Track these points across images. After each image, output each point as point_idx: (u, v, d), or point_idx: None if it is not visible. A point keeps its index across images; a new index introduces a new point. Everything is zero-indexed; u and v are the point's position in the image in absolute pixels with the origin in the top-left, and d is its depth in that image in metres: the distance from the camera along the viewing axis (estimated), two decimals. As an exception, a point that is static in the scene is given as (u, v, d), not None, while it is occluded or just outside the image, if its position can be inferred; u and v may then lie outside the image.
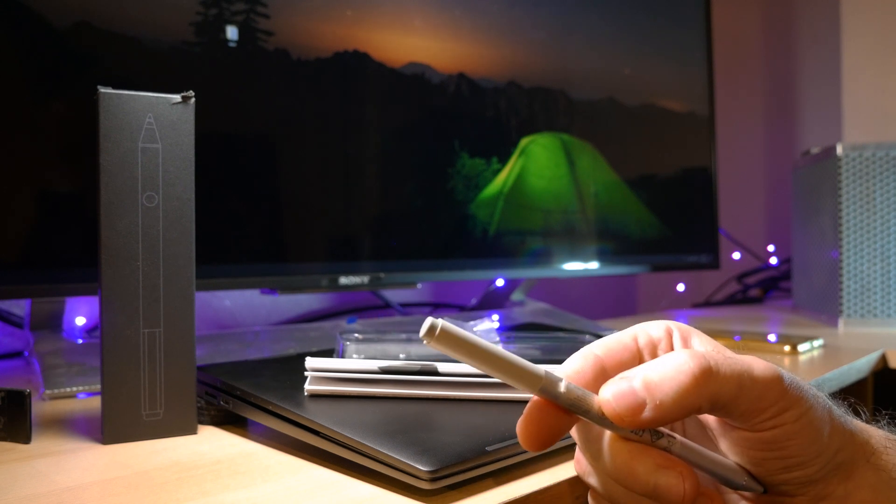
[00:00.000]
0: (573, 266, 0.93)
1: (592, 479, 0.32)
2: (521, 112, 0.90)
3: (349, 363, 0.43)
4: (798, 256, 1.21)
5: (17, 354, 0.75)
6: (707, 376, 0.27)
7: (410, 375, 0.44)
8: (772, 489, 0.32)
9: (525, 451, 0.37)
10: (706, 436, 0.33)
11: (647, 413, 0.27)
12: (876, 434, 0.34)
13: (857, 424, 0.33)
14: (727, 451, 0.31)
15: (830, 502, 0.32)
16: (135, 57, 0.61)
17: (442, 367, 0.44)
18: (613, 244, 0.99)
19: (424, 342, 0.25)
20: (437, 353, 0.49)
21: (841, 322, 1.01)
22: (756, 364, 0.29)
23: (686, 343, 0.32)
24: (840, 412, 0.32)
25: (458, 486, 0.34)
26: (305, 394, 0.42)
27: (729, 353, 0.30)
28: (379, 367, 0.43)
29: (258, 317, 0.96)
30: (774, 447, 0.29)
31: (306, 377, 0.45)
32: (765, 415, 0.29)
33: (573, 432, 0.32)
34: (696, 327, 0.34)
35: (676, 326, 0.33)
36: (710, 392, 0.27)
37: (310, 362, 0.43)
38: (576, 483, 0.37)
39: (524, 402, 0.44)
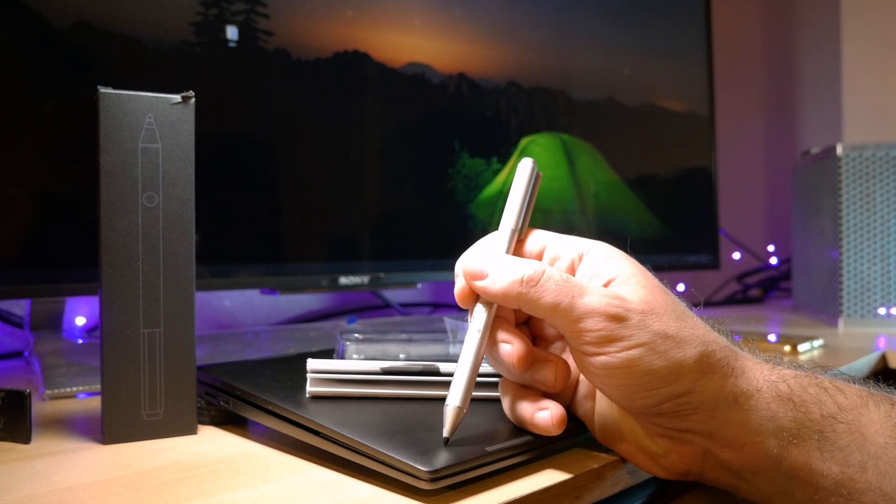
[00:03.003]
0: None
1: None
2: (521, 112, 0.90)
3: (351, 364, 0.43)
4: (798, 256, 1.21)
5: (17, 354, 0.75)
6: (526, 285, 0.35)
7: (412, 376, 0.44)
8: (632, 414, 0.36)
9: (525, 451, 0.37)
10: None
11: (479, 283, 0.36)
12: (754, 374, 0.36)
13: (732, 363, 0.35)
14: (579, 368, 0.36)
15: (694, 436, 0.35)
16: (135, 57, 0.61)
17: (444, 367, 0.44)
18: (613, 244, 0.99)
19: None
20: (439, 353, 0.49)
21: (841, 322, 1.01)
22: (591, 297, 0.34)
23: (572, 265, 0.38)
24: (713, 351, 0.34)
25: (458, 486, 0.34)
26: (307, 395, 0.42)
27: (604, 273, 0.36)
28: (381, 368, 0.43)
29: (258, 317, 0.96)
30: (605, 372, 0.34)
31: (307, 378, 0.45)
32: (584, 339, 0.34)
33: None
34: None
35: (589, 250, 0.38)
36: (524, 299, 0.35)
37: (311, 364, 0.43)
38: (576, 483, 0.37)
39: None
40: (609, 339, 0.34)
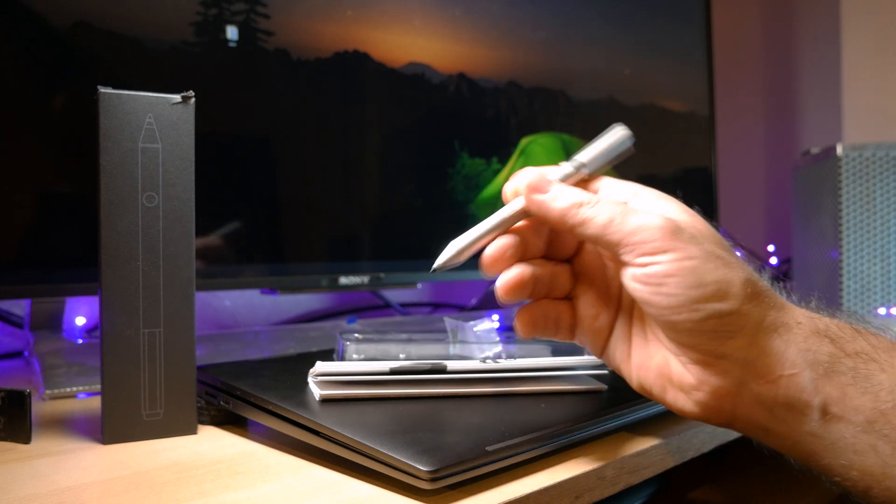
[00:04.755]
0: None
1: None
2: (521, 112, 0.90)
3: (360, 366, 0.43)
4: (798, 256, 1.21)
5: (17, 354, 0.75)
6: (585, 206, 0.37)
7: (420, 375, 0.44)
8: (668, 335, 0.37)
9: (525, 451, 0.37)
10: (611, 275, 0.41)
11: (540, 197, 0.38)
12: (794, 309, 0.37)
13: (774, 296, 0.37)
14: (626, 287, 0.37)
15: (731, 365, 0.36)
16: (135, 57, 0.61)
17: (451, 365, 0.44)
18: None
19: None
20: (439, 353, 0.49)
21: (841, 322, 1.01)
22: (644, 214, 0.36)
23: (625, 193, 0.39)
24: (756, 281, 0.36)
25: (458, 486, 0.34)
26: (318, 399, 0.42)
27: (656, 208, 0.38)
28: (390, 369, 0.43)
29: (258, 317, 0.96)
30: (657, 281, 0.35)
31: (308, 380, 0.44)
32: (639, 249, 0.35)
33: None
34: None
35: (642, 191, 0.39)
36: (578, 219, 0.36)
37: (318, 367, 0.43)
38: (576, 483, 0.37)
39: (528, 395, 0.44)
40: (663, 249, 0.35)
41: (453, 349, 0.51)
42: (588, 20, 0.98)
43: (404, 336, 0.51)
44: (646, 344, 0.39)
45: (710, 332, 0.35)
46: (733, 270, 0.35)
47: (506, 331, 0.52)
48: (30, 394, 0.43)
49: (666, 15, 1.10)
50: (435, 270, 0.38)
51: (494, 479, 0.36)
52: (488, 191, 0.86)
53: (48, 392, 0.54)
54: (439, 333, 0.53)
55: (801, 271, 1.20)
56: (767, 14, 1.63)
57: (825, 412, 0.35)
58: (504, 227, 0.39)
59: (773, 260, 1.49)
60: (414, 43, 0.80)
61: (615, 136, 0.40)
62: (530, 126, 0.91)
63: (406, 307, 1.07)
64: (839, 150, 1.01)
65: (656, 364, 0.38)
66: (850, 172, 1.00)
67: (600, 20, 0.99)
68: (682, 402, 0.38)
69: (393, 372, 0.43)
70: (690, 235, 0.35)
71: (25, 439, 0.43)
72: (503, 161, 0.87)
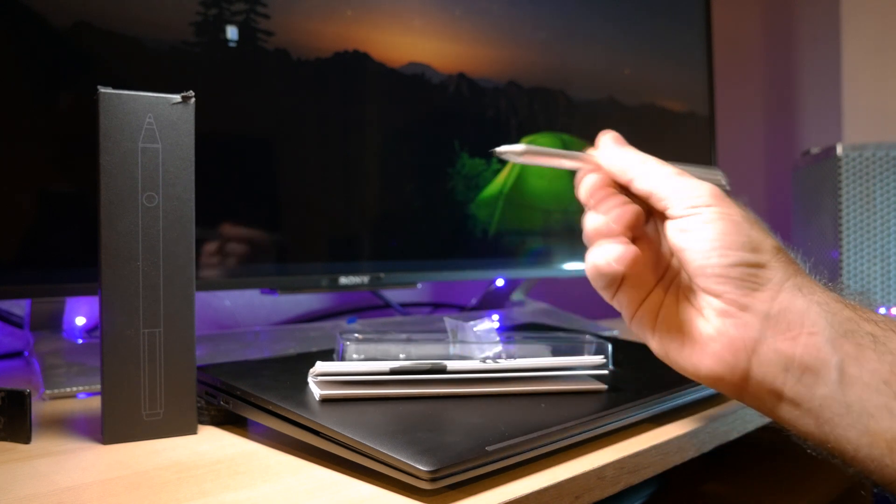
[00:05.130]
0: (573, 266, 0.93)
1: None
2: (521, 112, 0.90)
3: (359, 366, 0.43)
4: (798, 256, 1.21)
5: (17, 354, 0.75)
6: (646, 160, 0.41)
7: (420, 375, 0.44)
8: (696, 283, 0.39)
9: (525, 451, 0.37)
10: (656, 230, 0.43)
11: (612, 142, 0.43)
12: (817, 283, 0.39)
13: (800, 266, 0.39)
14: (669, 237, 0.40)
15: (752, 317, 0.37)
16: (135, 57, 0.61)
17: (451, 365, 0.44)
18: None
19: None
20: (439, 353, 0.49)
21: (841, 322, 1.01)
22: (692, 178, 0.40)
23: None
24: (787, 252, 0.39)
25: (458, 486, 0.34)
26: (318, 399, 0.42)
27: (693, 175, 0.41)
28: (390, 369, 0.43)
29: (258, 317, 0.96)
30: (698, 225, 0.38)
31: (308, 380, 0.44)
32: (686, 203, 0.38)
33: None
34: None
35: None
36: (642, 168, 0.41)
37: (318, 367, 0.43)
38: (576, 483, 0.37)
39: (528, 395, 0.44)
40: (708, 204, 0.38)
41: (453, 349, 0.51)
42: (588, 20, 0.98)
43: (404, 336, 0.51)
44: (675, 303, 0.41)
45: (737, 279, 0.37)
46: (767, 236, 0.38)
47: (506, 331, 0.52)
48: (30, 394, 0.43)
49: (666, 15, 1.10)
50: (493, 152, 0.39)
51: (494, 479, 0.36)
52: (488, 191, 0.86)
53: (48, 392, 0.54)
54: (439, 333, 0.53)
55: (801, 271, 1.20)
56: (767, 14, 1.63)
57: (842, 372, 0.35)
58: (573, 161, 0.42)
59: (773, 260, 1.49)
60: (414, 43, 0.80)
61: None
62: (530, 126, 0.91)
63: (406, 307, 1.07)
64: (839, 150, 1.01)
65: (680, 321, 0.40)
66: (850, 172, 1.00)
67: (600, 20, 0.99)
68: (698, 357, 0.39)
69: (393, 372, 0.43)
70: (733, 202, 0.39)
71: (25, 439, 0.43)
72: (503, 161, 0.87)
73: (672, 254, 0.42)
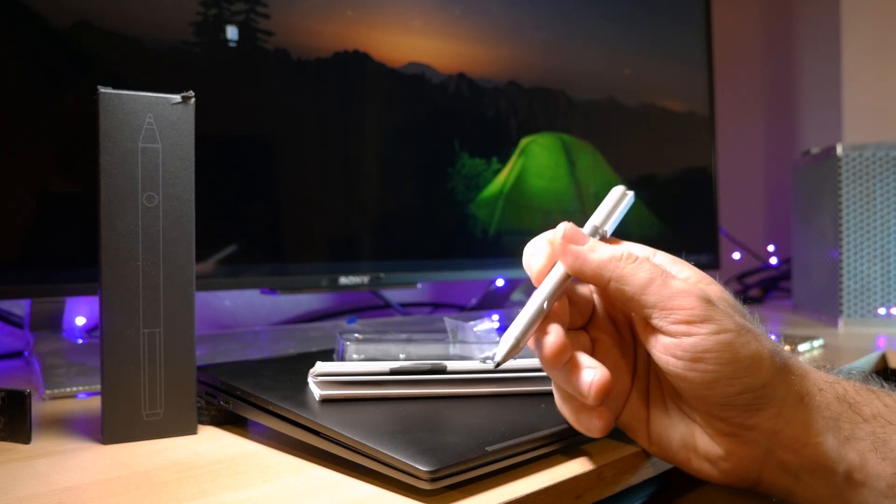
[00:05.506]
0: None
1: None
2: (521, 112, 0.90)
3: (359, 366, 0.43)
4: (798, 256, 1.21)
5: (17, 354, 0.75)
6: (624, 261, 0.36)
7: (420, 375, 0.44)
8: (696, 407, 0.36)
9: (525, 451, 0.37)
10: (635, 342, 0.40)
11: (579, 248, 0.37)
12: (815, 376, 0.37)
13: (797, 365, 0.37)
14: (656, 358, 0.36)
15: (758, 435, 0.36)
16: (135, 57, 0.61)
17: (451, 365, 0.44)
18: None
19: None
20: (439, 353, 0.49)
21: (841, 322, 1.01)
22: (680, 281, 0.35)
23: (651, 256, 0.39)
24: (780, 351, 0.36)
25: (458, 486, 0.34)
26: (318, 399, 0.42)
27: (675, 273, 0.37)
28: (390, 369, 0.43)
29: (258, 317, 0.96)
30: (692, 356, 0.34)
31: (308, 380, 0.44)
32: (676, 316, 0.34)
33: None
34: None
35: (657, 253, 0.39)
36: (619, 273, 0.36)
37: (318, 367, 0.43)
38: (576, 483, 0.37)
39: (528, 395, 0.44)
40: (702, 319, 0.34)
41: (453, 349, 0.51)
42: (588, 20, 0.98)
43: (404, 336, 0.51)
44: (666, 414, 0.39)
45: (742, 405, 0.35)
46: (762, 343, 0.35)
47: (505, 331, 0.52)
48: (30, 394, 0.43)
49: (666, 15, 1.10)
50: (499, 364, 0.37)
51: (494, 479, 0.36)
52: (488, 191, 0.86)
53: (48, 392, 0.54)
54: (439, 333, 0.53)
55: (801, 271, 1.20)
56: (767, 14, 1.63)
57: (849, 478, 0.35)
58: (551, 303, 0.37)
59: (773, 260, 1.49)
60: (414, 43, 0.80)
61: (616, 194, 0.41)
62: (530, 126, 0.91)
63: (406, 307, 1.07)
64: (839, 150, 1.01)
65: (680, 435, 0.38)
66: (850, 172, 1.00)
67: (600, 20, 0.99)
68: (708, 470, 0.38)
69: (393, 372, 0.43)
70: (724, 306, 0.35)
71: (25, 439, 0.43)
72: (503, 161, 0.87)
73: (641, 346, 0.39)
